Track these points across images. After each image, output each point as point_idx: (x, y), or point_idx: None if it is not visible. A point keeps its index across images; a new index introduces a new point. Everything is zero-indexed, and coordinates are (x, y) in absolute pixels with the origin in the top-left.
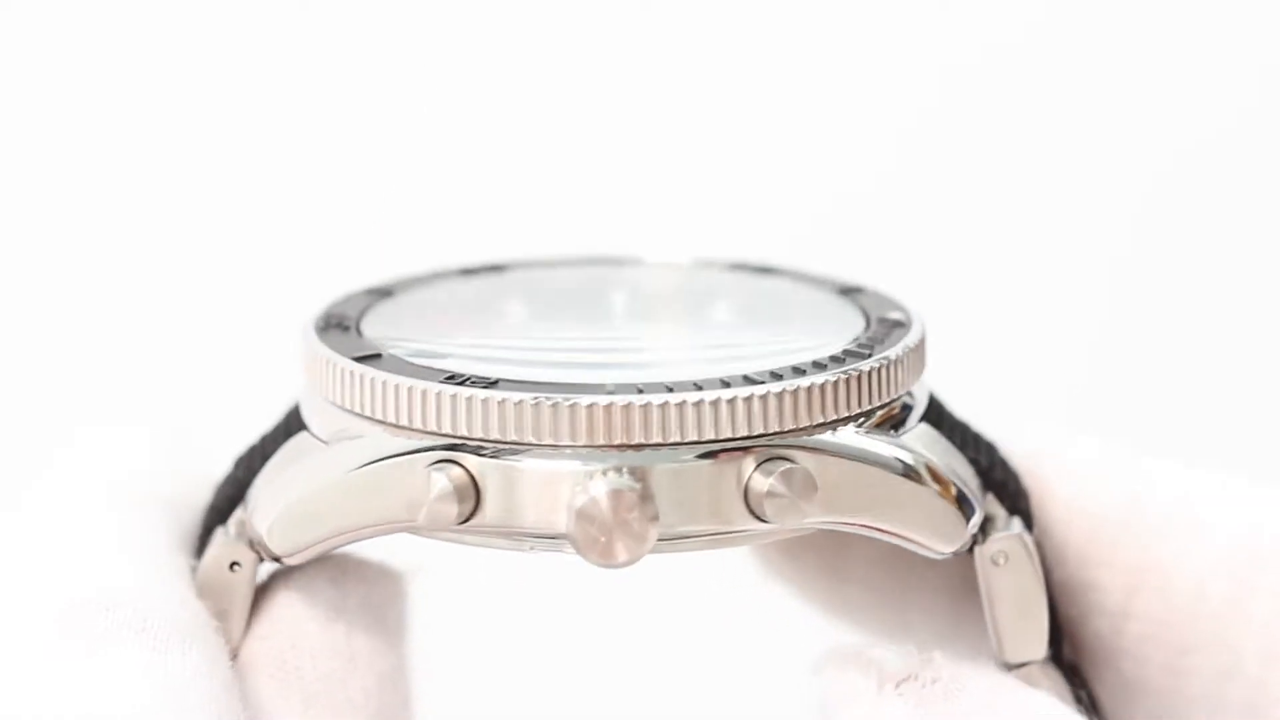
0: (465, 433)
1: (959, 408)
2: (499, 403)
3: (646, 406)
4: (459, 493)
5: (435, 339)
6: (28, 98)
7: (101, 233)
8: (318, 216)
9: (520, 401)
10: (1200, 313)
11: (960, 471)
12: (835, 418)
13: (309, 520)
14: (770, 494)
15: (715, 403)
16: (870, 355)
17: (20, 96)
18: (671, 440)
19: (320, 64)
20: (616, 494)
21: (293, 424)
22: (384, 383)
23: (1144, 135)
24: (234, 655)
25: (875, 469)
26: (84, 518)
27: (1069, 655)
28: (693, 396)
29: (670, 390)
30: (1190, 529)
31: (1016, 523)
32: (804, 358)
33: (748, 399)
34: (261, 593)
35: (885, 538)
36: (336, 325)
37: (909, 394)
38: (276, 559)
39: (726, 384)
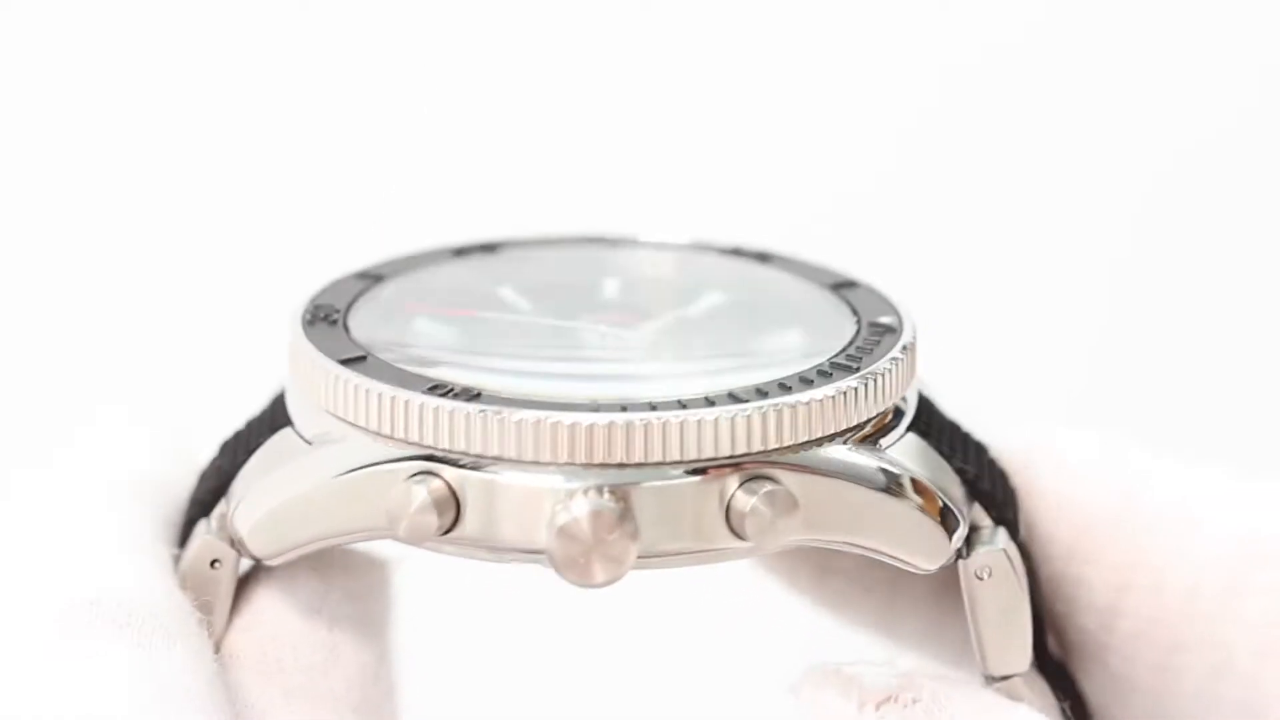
0: (447, 445)
1: (957, 397)
2: (481, 417)
3: (629, 426)
4: (438, 505)
5: (423, 337)
6: (14, 91)
7: (91, 215)
8: (310, 192)
9: (503, 418)
10: (1198, 307)
11: (946, 484)
12: (821, 435)
13: (289, 525)
14: (753, 514)
15: (699, 422)
16: (858, 369)
17: (7, 90)
18: (654, 460)
19: (309, 45)
20: (597, 515)
21: (278, 417)
22: (368, 390)
23: (1142, 128)
24: (217, 648)
25: (860, 487)
26: (69, 509)
27: (1056, 653)
28: (676, 416)
29: (654, 409)
30: (1183, 527)
31: (1001, 535)
32: (792, 369)
33: (731, 418)
34: (244, 584)
35: (868, 554)
36: (324, 319)
37: (899, 399)
38: (256, 560)
39: (711, 402)
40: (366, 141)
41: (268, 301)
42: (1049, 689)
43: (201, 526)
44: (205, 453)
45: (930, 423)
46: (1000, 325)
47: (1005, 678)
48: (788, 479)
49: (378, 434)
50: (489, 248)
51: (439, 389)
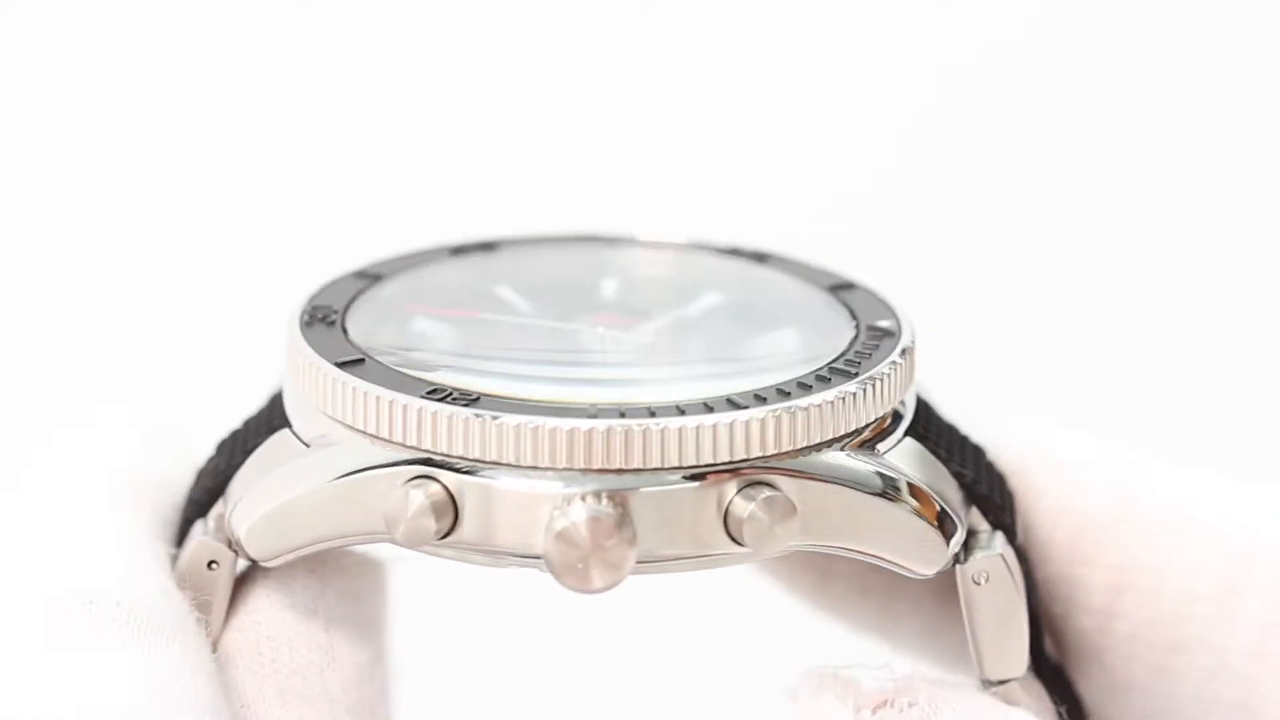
0: (445, 450)
1: (955, 398)
2: (479, 422)
3: (628, 432)
4: (436, 510)
5: (421, 339)
6: (13, 91)
7: (88, 214)
8: (308, 190)
9: (501, 423)
10: (1196, 308)
11: (943, 488)
12: (820, 440)
13: (286, 528)
14: (751, 520)
15: (698, 428)
16: (856, 375)
17: (5, 90)
18: (652, 466)
19: (306, 45)
20: (595, 520)
21: (275, 417)
22: (365, 393)
23: (1138, 130)
24: (214, 647)
25: (857, 493)
26: (67, 507)
27: (1053, 655)
28: (674, 422)
29: (652, 415)
30: (1181, 529)
31: (999, 540)
32: (790, 374)
33: (730, 424)
34: (240, 583)
35: (866, 559)
36: (322, 320)
37: (898, 402)
38: (253, 562)
39: (710, 407)
40: (364, 139)
41: (266, 299)
42: (1045, 693)
43: (198, 527)
44: (203, 451)
45: (928, 426)
46: (999, 325)
47: (1002, 682)
48: (786, 485)
49: (375, 437)
50: (487, 246)
51: (437, 393)
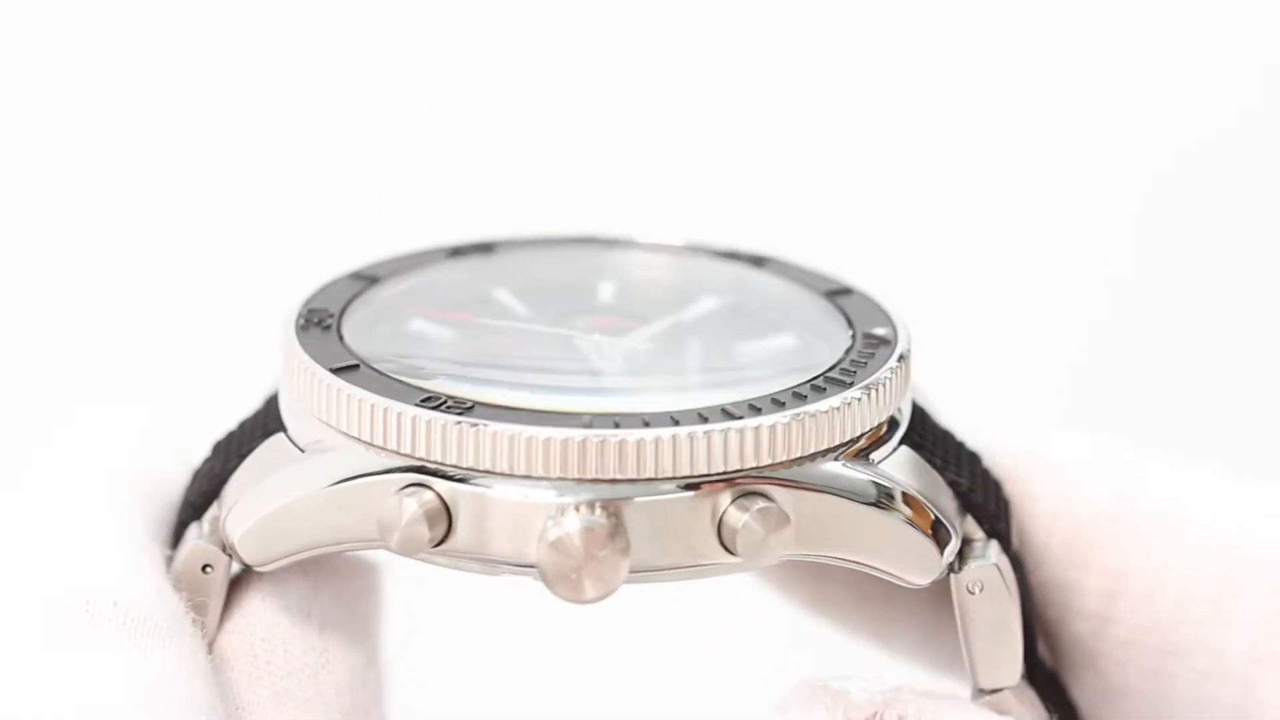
0: (439, 458)
1: (952, 398)
2: (473, 431)
3: (622, 443)
4: (430, 518)
5: (416, 345)
6: (11, 92)
7: (85, 213)
8: (306, 189)
9: (495, 432)
10: (1193, 311)
11: (938, 497)
12: (815, 450)
13: (280, 534)
14: (744, 530)
15: (692, 438)
16: (851, 384)
17: (3, 90)
18: (646, 476)
19: (304, 45)
20: (589, 531)
21: (271, 421)
22: (360, 401)
23: (1134, 135)
24: (209, 649)
25: (852, 503)
26: (64, 507)
27: (1048, 663)
28: (668, 433)
29: (647, 424)
30: (1176, 532)
31: (994, 549)
32: (785, 382)
33: (724, 434)
34: (235, 586)
35: (860, 569)
36: (317, 324)
37: (894, 410)
38: (247, 566)
39: (704, 417)
40: (362, 139)
41: (265, 298)
42: (1039, 701)
43: (193, 530)
44: (201, 452)
45: (924, 433)
46: (995, 327)
47: (995, 690)
48: (780, 495)
49: (370, 444)
50: (485, 247)
51: (431, 401)
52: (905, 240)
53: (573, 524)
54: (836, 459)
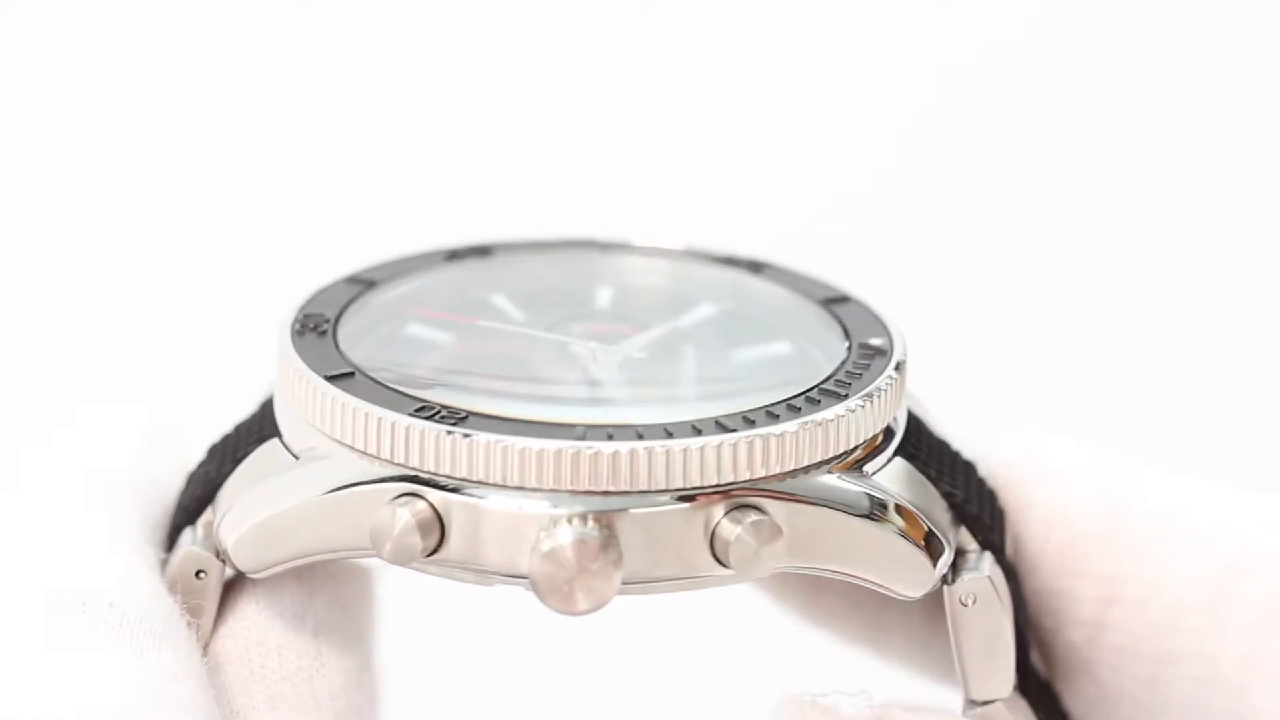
0: (432, 468)
1: (948, 406)
2: (466, 442)
3: (615, 455)
4: (422, 528)
5: (412, 352)
6: (9, 93)
7: (83, 214)
8: (304, 188)
9: (488, 443)
10: (1190, 316)
11: (932, 509)
12: (808, 463)
13: (274, 541)
14: (737, 543)
15: (685, 450)
16: (846, 396)
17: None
18: (639, 488)
19: (302, 46)
20: (581, 543)
21: (266, 426)
22: (354, 409)
23: (1129, 143)
24: (203, 652)
25: (845, 515)
26: (60, 508)
27: (1041, 670)
28: (661, 445)
29: (640, 437)
30: (1171, 539)
31: (987, 560)
32: (780, 394)
33: (718, 447)
34: (229, 590)
35: (852, 581)
36: (313, 329)
37: (889, 419)
38: (240, 573)
39: (698, 430)
40: (361, 141)
41: (261, 299)
42: (1031, 712)
43: (187, 535)
44: (196, 453)
45: (919, 444)
46: (991, 335)
47: (987, 702)
48: (773, 508)
49: (363, 453)
50: (482, 251)
51: (424, 410)
52: (902, 245)
53: (565, 536)
54: (830, 471)
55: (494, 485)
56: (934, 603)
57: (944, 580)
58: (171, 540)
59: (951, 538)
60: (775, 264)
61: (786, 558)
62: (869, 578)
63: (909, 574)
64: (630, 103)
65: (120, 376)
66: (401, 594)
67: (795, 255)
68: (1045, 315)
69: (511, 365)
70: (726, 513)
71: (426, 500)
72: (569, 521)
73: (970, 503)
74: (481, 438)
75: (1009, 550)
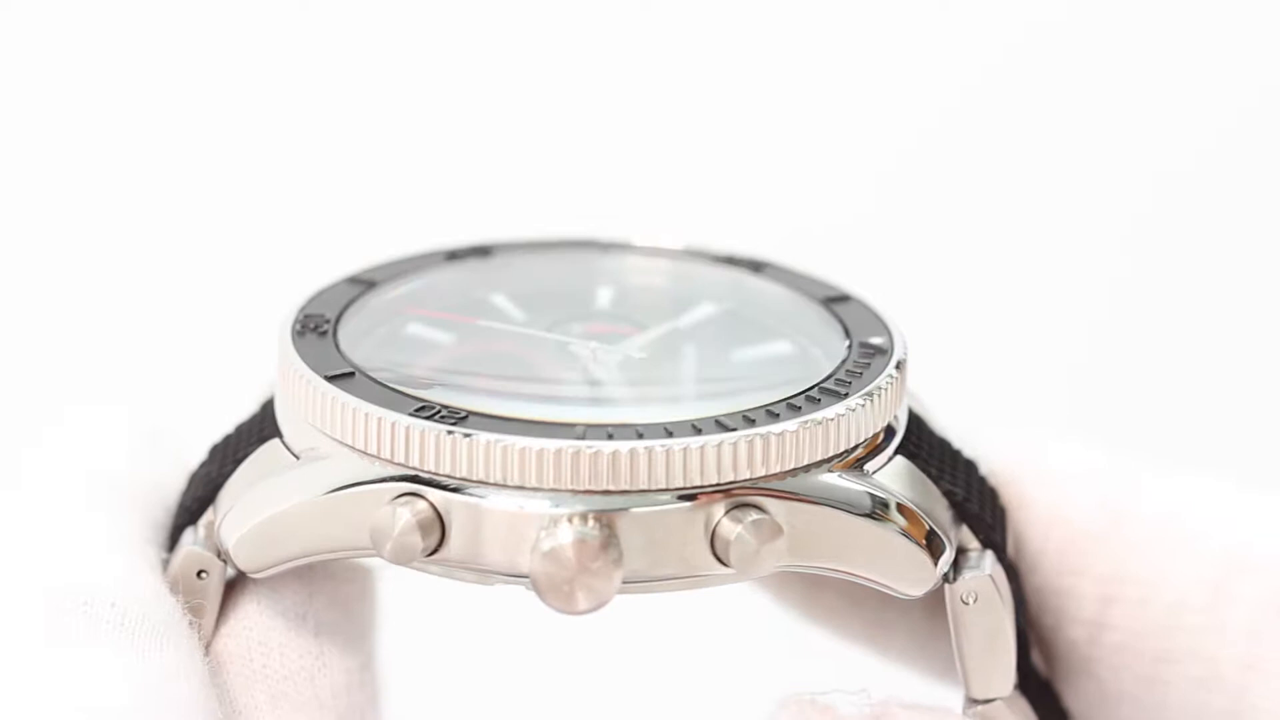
0: (433, 468)
1: (949, 406)
2: (467, 441)
3: (615, 454)
4: (423, 527)
5: (412, 352)
6: (9, 93)
7: (84, 215)
8: (304, 189)
9: (488, 442)
10: (1190, 316)
11: (933, 507)
12: (809, 461)
13: (275, 541)
14: (737, 542)
15: (685, 450)
16: (846, 395)
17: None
18: (639, 487)
19: (303, 47)
20: (581, 542)
21: (267, 426)
22: (354, 409)
23: (1129, 144)
24: (205, 651)
25: (846, 514)
26: (61, 508)
27: (1041, 669)
28: (662, 444)
29: (640, 436)
30: (1171, 539)
31: (989, 559)
32: (780, 393)
33: (718, 446)
34: (231, 589)
35: (853, 580)
36: (314, 330)
37: (890, 418)
38: (242, 573)
39: (698, 429)
40: (359, 142)
41: (262, 299)
42: (1031, 711)
43: (188, 535)
44: (198, 453)
45: (920, 443)
46: (992, 334)
47: (988, 701)
48: (774, 507)
49: (364, 453)
50: (483, 251)
51: (425, 410)
52: (902, 245)
53: (566, 535)
54: (831, 470)
55: (494, 485)
56: (934, 601)
57: (945, 579)
58: (173, 540)
59: (953, 536)
60: (775, 263)
61: (787, 556)
62: (870, 576)
63: (910, 573)
64: (631, 103)
65: (121, 377)
66: (402, 594)
67: (795, 254)
68: (1045, 315)
69: (512, 365)
70: (727, 512)
71: (427, 500)
72: (569, 521)
73: (971, 501)
74: (482, 437)
75: (1010, 549)
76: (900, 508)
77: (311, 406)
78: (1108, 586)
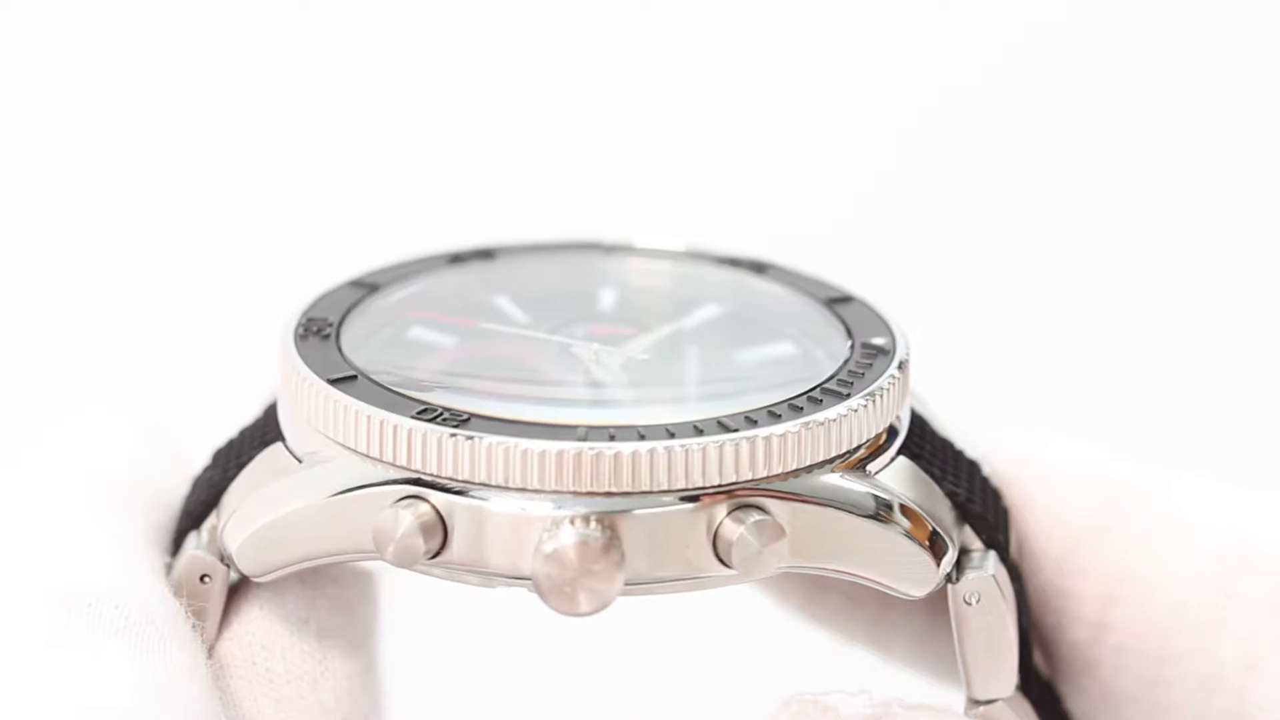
0: (435, 471)
1: (951, 406)
2: (469, 444)
3: (617, 456)
4: (425, 530)
5: (415, 355)
6: (9, 94)
7: (84, 217)
8: (305, 190)
9: (490, 445)
10: (1191, 316)
11: (936, 508)
12: (811, 462)
13: (278, 545)
14: (740, 543)
15: (687, 451)
16: (849, 395)
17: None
18: (641, 489)
19: (304, 49)
20: (583, 544)
21: (269, 430)
22: (356, 412)
23: (1129, 143)
24: (209, 655)
25: (848, 515)
26: (64, 510)
27: (1044, 672)
28: (663, 446)
29: (642, 438)
30: (1173, 539)
31: (991, 560)
32: (782, 394)
33: (720, 447)
34: (234, 593)
35: (856, 581)
36: (316, 333)
37: (893, 418)
38: (245, 577)
39: (700, 430)
40: (362, 145)
41: (265, 303)
42: (1033, 712)
43: (191, 539)
44: (200, 456)
45: (922, 443)
46: (993, 334)
47: (990, 702)
48: (776, 508)
49: (366, 456)
50: (486, 254)
51: (427, 413)
52: (904, 245)
53: (568, 537)
54: (833, 470)
55: (496, 487)
56: (937, 602)
57: (948, 579)
58: (176, 545)
59: (955, 537)
60: (778, 264)
61: (789, 558)
62: (873, 577)
63: (913, 573)
64: (632, 105)
65: (124, 380)
66: (405, 597)
67: (798, 255)
68: (1046, 315)
69: (514, 367)
70: (729, 513)
71: (429, 503)
72: (571, 523)
73: (974, 502)
74: (484, 440)
75: (1013, 549)
76: (903, 508)
77: (314, 410)
78: (1110, 587)
